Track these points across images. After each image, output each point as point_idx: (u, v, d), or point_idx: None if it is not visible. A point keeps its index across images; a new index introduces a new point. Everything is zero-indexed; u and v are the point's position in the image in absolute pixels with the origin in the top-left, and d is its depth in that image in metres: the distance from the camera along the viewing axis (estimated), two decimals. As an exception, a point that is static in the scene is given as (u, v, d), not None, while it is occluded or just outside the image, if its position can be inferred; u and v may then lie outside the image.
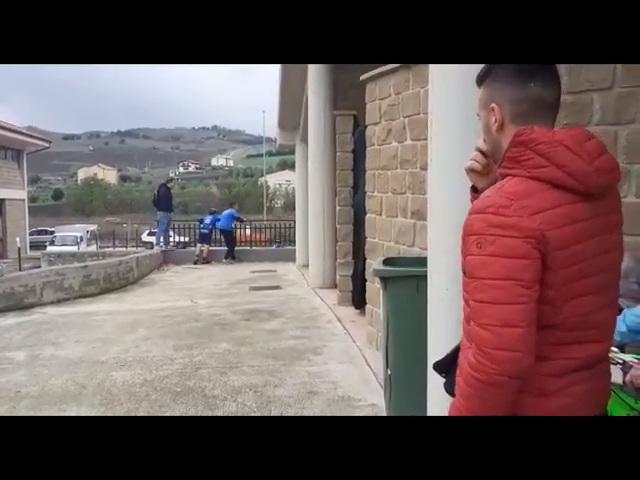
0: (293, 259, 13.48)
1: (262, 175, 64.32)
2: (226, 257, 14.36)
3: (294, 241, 14.77)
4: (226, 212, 15.11)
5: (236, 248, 15.24)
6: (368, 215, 5.81)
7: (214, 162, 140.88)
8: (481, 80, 1.46)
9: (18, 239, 23.18)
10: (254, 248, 16.02)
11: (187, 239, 16.92)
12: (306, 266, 10.82)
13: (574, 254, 1.28)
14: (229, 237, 14.72)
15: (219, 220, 14.77)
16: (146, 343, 6.07)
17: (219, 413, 3.99)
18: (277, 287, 10.04)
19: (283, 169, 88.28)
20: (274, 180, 71.26)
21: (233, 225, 15.02)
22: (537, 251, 1.25)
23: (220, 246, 15.21)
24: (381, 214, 5.42)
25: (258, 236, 17.95)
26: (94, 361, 5.38)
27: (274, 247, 16.29)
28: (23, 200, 30.16)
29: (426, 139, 3.13)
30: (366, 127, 5.84)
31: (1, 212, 27.22)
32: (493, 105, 1.41)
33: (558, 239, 1.26)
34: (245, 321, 7.10)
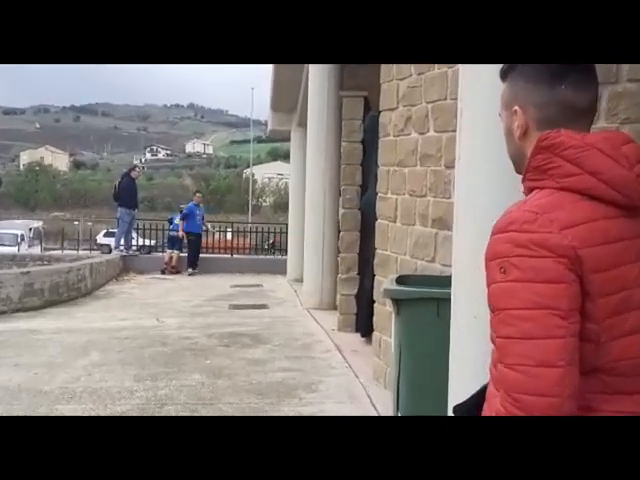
0: (283, 271, 13.52)
1: (248, 166, 64.60)
2: (190, 265, 14.26)
3: (285, 249, 14.82)
4: (190, 205, 14.93)
5: (211, 256, 15.27)
6: (379, 221, 5.85)
7: (189, 148, 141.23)
8: (505, 74, 1.49)
9: None
10: (235, 257, 16.06)
11: (153, 242, 16.96)
12: (299, 281, 10.86)
13: (615, 279, 1.29)
14: (197, 241, 14.61)
15: (185, 218, 14.60)
16: (100, 370, 6.08)
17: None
18: (263, 306, 10.06)
19: (274, 159, 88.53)
20: (263, 173, 71.41)
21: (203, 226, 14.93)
22: (573, 273, 1.25)
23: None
24: (395, 220, 5.46)
25: (241, 242, 18.04)
26: (36, 391, 5.39)
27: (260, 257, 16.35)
28: None
29: (454, 131, 3.18)
30: (380, 113, 5.89)
31: None
32: (516, 108, 1.44)
33: (594, 259, 1.26)
34: (223, 347, 7.11)
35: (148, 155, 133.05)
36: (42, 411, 4.87)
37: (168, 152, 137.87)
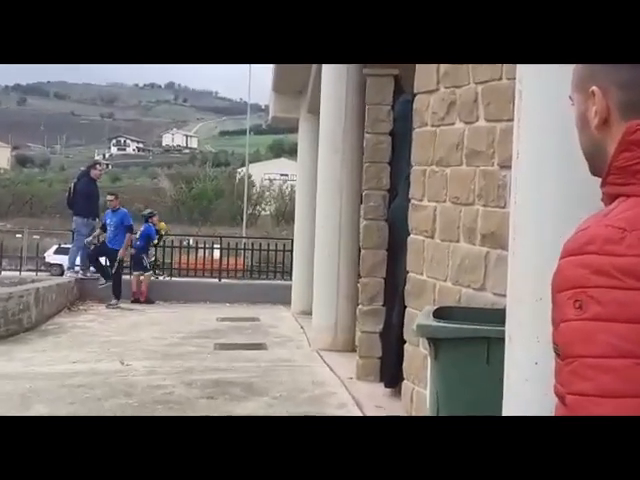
0: (287, 301, 13.53)
1: (243, 164, 64.91)
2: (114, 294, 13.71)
3: (289, 272, 14.83)
4: (121, 212, 14.37)
5: (192, 280, 15.31)
6: (412, 236, 5.85)
7: (167, 140, 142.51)
8: None
9: None
10: (225, 281, 16.12)
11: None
12: (308, 314, 10.86)
13: None
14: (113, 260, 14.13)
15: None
16: (46, 428, 6.09)
17: None
18: (260, 346, 10.06)
19: (277, 156, 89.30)
20: (262, 173, 71.84)
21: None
22: None
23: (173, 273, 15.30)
24: (433, 236, 5.45)
25: (232, 262, 18.07)
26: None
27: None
28: None
29: (510, 120, 3.17)
30: (414, 96, 5.91)
31: None
32: (594, 88, 1.42)
33: None
34: (206, 399, 7.09)
35: (114, 149, 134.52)
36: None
37: (140, 145, 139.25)
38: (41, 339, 10.48)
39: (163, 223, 15.91)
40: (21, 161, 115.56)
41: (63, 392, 7.28)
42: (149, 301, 14.22)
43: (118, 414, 6.52)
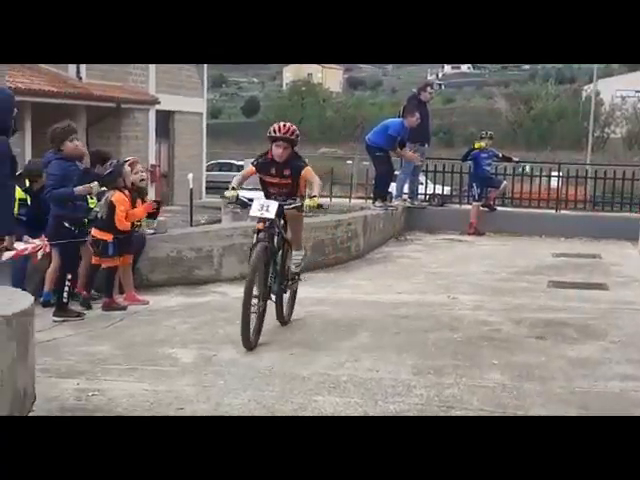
0: (634, 237, 13.02)
1: (591, 80, 62.08)
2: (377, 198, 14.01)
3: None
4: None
5: (524, 211, 15.21)
6: None
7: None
8: None
9: (190, 176, 25.29)
10: (563, 212, 15.85)
11: (448, 191, 17.31)
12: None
13: None
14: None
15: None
16: (370, 356, 6.54)
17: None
18: (600, 286, 9.91)
19: (632, 70, 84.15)
20: (612, 90, 68.20)
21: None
22: None
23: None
24: None
25: (572, 192, 17.65)
26: (292, 376, 5.97)
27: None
28: (200, 114, 33.63)
29: None
30: None
31: (170, 132, 30.69)
32: None
33: None
34: (535, 339, 7.19)
35: (447, 68, 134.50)
36: (298, 401, 5.41)
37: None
38: (368, 267, 11.07)
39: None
40: (352, 84, 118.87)
41: (388, 322, 7.73)
42: (478, 233, 14.37)
43: (442, 347, 6.83)
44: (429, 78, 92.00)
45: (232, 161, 39.99)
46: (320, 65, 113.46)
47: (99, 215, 8.27)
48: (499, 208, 15.38)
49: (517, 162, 16.32)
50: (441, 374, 6.07)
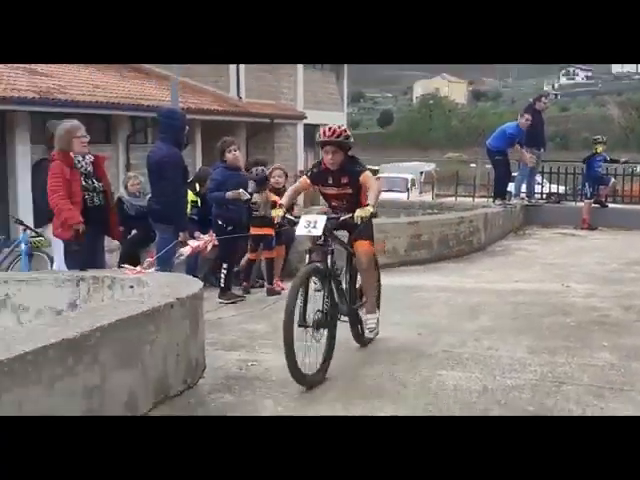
0: None
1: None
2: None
3: None
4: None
5: (634, 207, 14.74)
6: None
7: (617, 68, 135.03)
8: None
9: None
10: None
11: (563, 189, 16.93)
12: None
13: None
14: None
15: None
16: (490, 337, 6.47)
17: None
18: None
19: None
20: None
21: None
22: None
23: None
24: None
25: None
26: (418, 352, 6.00)
27: None
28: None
29: None
30: None
31: (313, 143, 31.29)
32: None
33: None
34: (644, 323, 6.97)
35: (563, 79, 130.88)
36: (424, 374, 5.43)
37: (589, 74, 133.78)
38: (488, 259, 10.99)
39: None
40: (476, 96, 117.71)
41: (507, 308, 7.63)
42: (591, 227, 14.00)
43: (556, 330, 6.70)
44: (545, 89, 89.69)
45: (369, 166, 39.95)
46: (446, 79, 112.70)
47: (260, 213, 8.69)
48: (610, 205, 14.98)
49: (624, 162, 15.85)
50: (554, 354, 5.96)
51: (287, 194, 6.12)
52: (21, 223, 11.59)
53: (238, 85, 26.06)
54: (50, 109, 17.43)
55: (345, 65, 33.29)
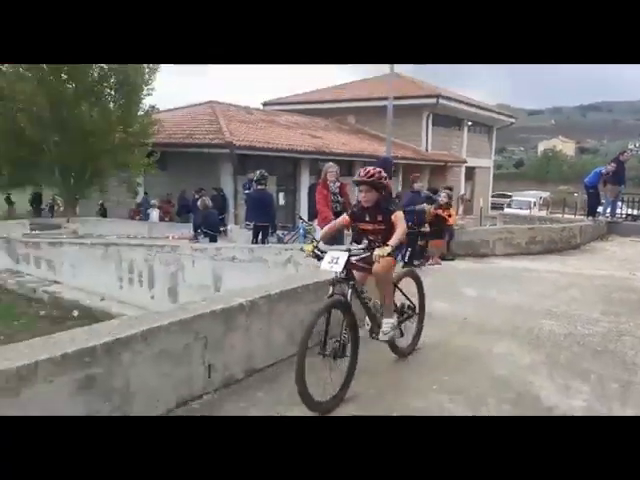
0: None
1: None
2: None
3: None
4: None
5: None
6: None
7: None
8: None
9: (482, 200, 26.08)
10: None
11: (637, 212, 14.90)
12: None
13: None
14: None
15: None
16: (576, 303, 5.94)
17: (636, 379, 3.71)
18: None
19: None
20: None
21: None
22: None
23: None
24: None
25: None
26: (529, 310, 5.64)
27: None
28: (489, 168, 32.95)
29: None
30: None
31: (472, 177, 30.32)
32: None
33: None
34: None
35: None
36: (530, 323, 5.11)
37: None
38: (580, 254, 10.01)
39: None
40: (581, 151, 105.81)
41: (589, 285, 6.97)
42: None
43: (622, 302, 6.01)
44: (629, 147, 78.52)
45: (505, 192, 37.51)
46: (560, 140, 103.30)
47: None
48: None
49: None
50: (619, 316, 5.37)
51: (325, 230, 4.05)
52: (300, 217, 13.08)
53: (427, 142, 25.98)
54: (320, 157, 18.76)
55: (495, 128, 31.70)
